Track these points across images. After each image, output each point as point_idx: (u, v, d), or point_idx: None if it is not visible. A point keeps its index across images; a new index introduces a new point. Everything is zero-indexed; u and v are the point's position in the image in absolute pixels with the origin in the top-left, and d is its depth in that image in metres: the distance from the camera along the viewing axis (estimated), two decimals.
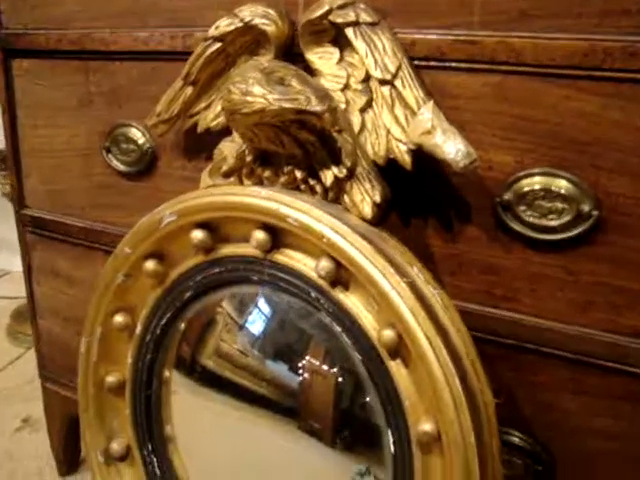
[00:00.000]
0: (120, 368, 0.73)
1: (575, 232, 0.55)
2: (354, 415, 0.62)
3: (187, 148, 0.71)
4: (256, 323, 0.69)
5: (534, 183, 0.56)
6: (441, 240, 0.61)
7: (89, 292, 0.80)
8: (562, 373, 0.59)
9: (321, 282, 0.57)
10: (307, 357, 0.64)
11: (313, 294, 0.59)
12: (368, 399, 0.58)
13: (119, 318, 0.70)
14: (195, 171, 0.71)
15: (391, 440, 0.56)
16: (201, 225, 0.63)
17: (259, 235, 0.59)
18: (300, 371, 0.65)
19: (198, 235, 0.63)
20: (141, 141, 0.74)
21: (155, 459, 0.72)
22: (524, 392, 0.60)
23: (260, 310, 0.68)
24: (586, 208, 0.54)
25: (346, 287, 0.57)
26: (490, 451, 0.51)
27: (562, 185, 0.55)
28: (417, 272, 0.54)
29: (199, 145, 0.70)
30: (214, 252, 0.64)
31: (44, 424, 1.07)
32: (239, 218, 0.60)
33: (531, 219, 0.56)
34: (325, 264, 0.56)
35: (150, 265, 0.67)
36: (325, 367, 0.64)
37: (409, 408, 0.54)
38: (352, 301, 0.57)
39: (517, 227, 0.57)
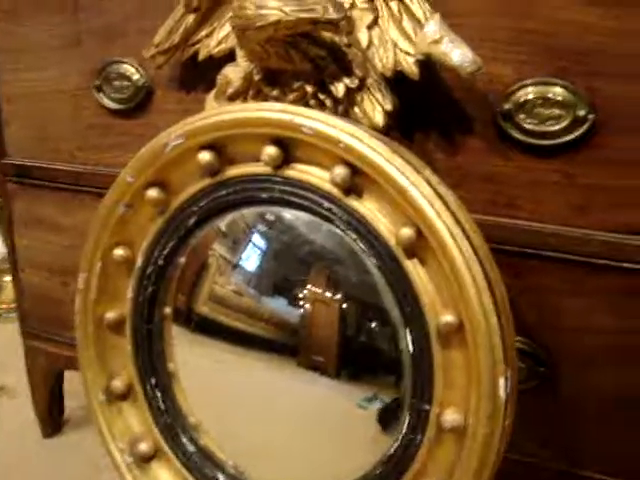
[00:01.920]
0: (119, 304, 0.72)
1: (572, 136, 0.58)
2: (360, 341, 0.64)
3: (184, 80, 0.72)
4: (250, 259, 0.69)
5: (532, 92, 0.59)
6: (444, 153, 0.64)
7: (77, 238, 0.79)
8: (562, 275, 0.62)
9: (335, 191, 0.59)
10: (308, 286, 0.65)
11: (326, 204, 0.60)
12: (385, 304, 0.60)
13: (119, 251, 0.70)
14: (193, 103, 0.71)
15: (410, 340, 0.58)
16: (207, 147, 0.63)
17: (270, 150, 0.60)
18: (300, 303, 0.66)
19: (205, 156, 0.63)
20: (135, 77, 0.74)
21: (159, 393, 0.72)
22: (526, 297, 0.63)
23: (255, 244, 0.69)
24: (582, 112, 0.58)
25: (360, 194, 0.59)
26: (509, 338, 0.54)
27: (558, 92, 0.59)
28: (429, 174, 0.57)
29: (197, 76, 0.71)
30: (220, 174, 0.65)
31: (20, 391, 1.04)
32: (249, 135, 0.61)
33: (530, 126, 0.60)
34: (340, 171, 0.57)
35: (153, 193, 0.67)
36: (328, 294, 0.65)
37: (427, 304, 0.56)
38: (366, 207, 0.58)
39: (517, 135, 0.60)
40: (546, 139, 0.59)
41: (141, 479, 0.71)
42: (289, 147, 0.61)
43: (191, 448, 0.71)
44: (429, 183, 0.55)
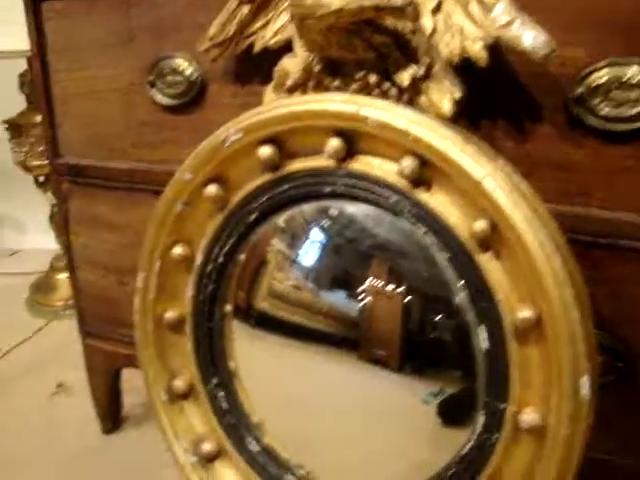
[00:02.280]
0: (179, 303, 0.72)
1: None
2: (424, 335, 0.62)
3: (239, 73, 0.70)
4: (309, 253, 0.68)
5: (606, 75, 0.57)
6: (513, 141, 0.61)
7: (132, 237, 0.79)
8: (639, 265, 0.59)
9: (402, 184, 0.57)
10: (369, 279, 0.64)
11: (393, 198, 0.58)
12: (457, 300, 0.57)
13: (178, 250, 0.69)
14: (248, 96, 0.70)
15: (485, 336, 0.56)
16: (267, 141, 0.62)
17: (334, 142, 0.59)
18: (360, 296, 0.64)
19: (266, 151, 0.62)
20: (188, 71, 0.73)
21: (221, 393, 0.71)
22: (602, 289, 0.61)
23: (314, 239, 0.68)
24: None
25: (429, 187, 0.57)
26: (591, 333, 0.51)
27: (635, 72, 0.55)
28: (503, 163, 0.54)
29: (252, 69, 0.69)
30: (281, 169, 0.63)
31: (78, 389, 1.05)
32: (311, 128, 0.60)
33: (605, 111, 0.57)
34: (408, 163, 0.55)
35: (212, 190, 0.66)
36: (391, 287, 0.63)
37: (502, 300, 0.54)
38: (436, 199, 0.56)
39: (591, 121, 0.57)
40: (621, 124, 0.56)
41: (207, 479, 0.71)
42: (353, 139, 0.59)
43: (255, 447, 0.70)
44: (503, 173, 0.52)
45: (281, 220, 0.68)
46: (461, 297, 0.57)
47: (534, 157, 0.61)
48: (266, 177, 0.64)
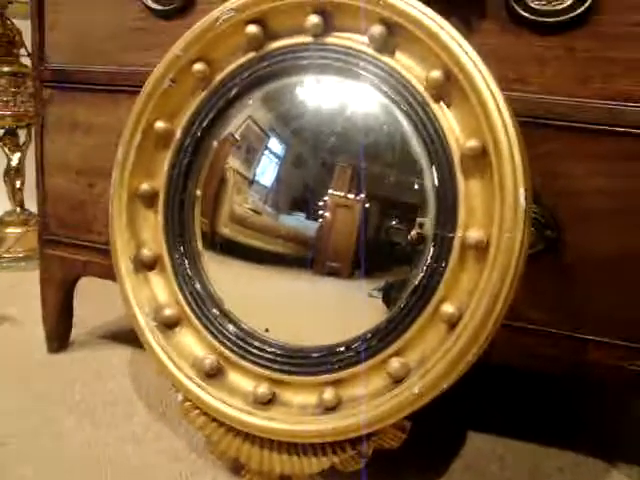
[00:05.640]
0: (154, 180, 0.77)
1: (574, 13, 0.67)
2: (378, 240, 0.67)
3: None
4: (267, 172, 0.73)
5: None
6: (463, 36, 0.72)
7: (109, 137, 0.85)
8: (568, 142, 0.69)
9: (369, 50, 0.67)
10: (330, 191, 0.69)
11: (361, 64, 0.67)
12: (411, 149, 0.66)
13: (160, 124, 0.75)
14: None
15: (435, 175, 0.64)
16: (253, 22, 0.71)
17: (313, 18, 0.69)
18: (319, 213, 0.69)
19: (252, 29, 0.71)
20: None
21: (186, 261, 0.75)
22: (535, 165, 0.70)
23: (271, 151, 0.73)
24: None
25: (392, 53, 0.67)
26: (524, 155, 0.60)
27: None
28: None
29: None
30: (264, 48, 0.72)
31: (23, 320, 1.05)
32: (292, 6, 0.69)
33: (538, 6, 0.69)
34: (376, 29, 0.66)
35: (199, 67, 0.74)
36: (351, 196, 0.69)
37: (452, 141, 0.63)
38: (398, 61, 0.66)
39: (526, 14, 0.69)
40: (552, 17, 0.68)
41: (164, 342, 0.73)
42: (330, 17, 0.69)
43: (215, 312, 0.74)
44: (456, 30, 0.63)
45: (237, 133, 0.74)
46: (414, 145, 0.65)
47: (480, 49, 0.71)
48: (249, 55, 0.73)
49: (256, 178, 0.74)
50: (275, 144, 0.73)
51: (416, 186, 0.66)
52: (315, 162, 0.72)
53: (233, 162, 0.75)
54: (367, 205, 0.68)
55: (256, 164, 0.74)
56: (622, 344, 0.71)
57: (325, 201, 0.70)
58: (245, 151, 0.75)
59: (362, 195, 0.68)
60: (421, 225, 0.66)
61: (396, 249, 0.68)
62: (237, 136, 0.75)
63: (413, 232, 0.66)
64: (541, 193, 0.71)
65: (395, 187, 0.68)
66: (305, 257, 0.71)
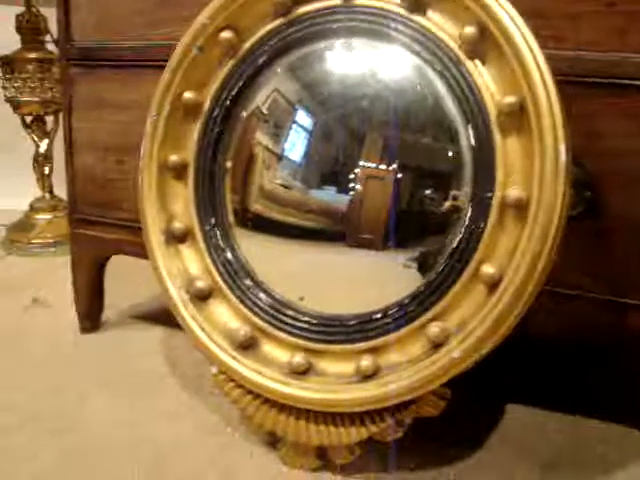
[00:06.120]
0: (183, 151, 0.76)
1: None
2: (411, 210, 0.66)
3: None
4: (296, 146, 0.71)
5: None
6: None
7: (136, 114, 0.84)
8: (606, 100, 0.67)
9: (401, 11, 0.66)
10: (361, 163, 0.67)
11: (392, 24, 0.66)
12: (446, 109, 0.64)
13: (188, 94, 0.74)
14: None
15: (471, 135, 0.63)
16: None
17: None
18: (350, 186, 0.68)
19: None
20: None
21: (218, 233, 0.74)
22: (572, 124, 0.68)
23: (298, 125, 0.72)
24: None
25: (424, 12, 0.65)
26: (563, 109, 0.58)
27: None
28: None
29: None
30: (292, 13, 0.71)
31: (54, 304, 1.06)
32: None
33: None
34: None
35: (226, 35, 0.73)
36: (383, 167, 0.67)
37: (489, 98, 0.62)
38: (430, 20, 0.65)
39: None
40: None
41: (197, 314, 0.73)
42: None
43: (249, 283, 0.73)
44: None
45: (264, 107, 0.73)
46: (449, 107, 0.63)
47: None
48: (277, 22, 0.72)
49: (285, 153, 0.73)
50: (303, 117, 0.72)
51: (450, 152, 0.64)
52: (345, 133, 0.71)
53: (261, 138, 0.74)
54: (399, 175, 0.66)
55: (284, 139, 0.73)
56: None
57: (356, 173, 0.68)
58: (273, 126, 0.74)
59: (394, 165, 0.67)
60: (455, 197, 0.64)
61: (430, 219, 0.66)
62: (264, 110, 0.74)
63: (447, 204, 0.64)
64: (579, 154, 0.69)
65: (428, 154, 0.67)
66: (337, 230, 0.70)
